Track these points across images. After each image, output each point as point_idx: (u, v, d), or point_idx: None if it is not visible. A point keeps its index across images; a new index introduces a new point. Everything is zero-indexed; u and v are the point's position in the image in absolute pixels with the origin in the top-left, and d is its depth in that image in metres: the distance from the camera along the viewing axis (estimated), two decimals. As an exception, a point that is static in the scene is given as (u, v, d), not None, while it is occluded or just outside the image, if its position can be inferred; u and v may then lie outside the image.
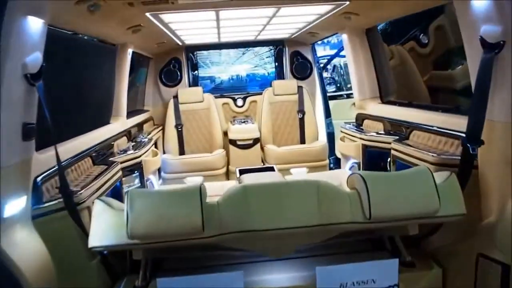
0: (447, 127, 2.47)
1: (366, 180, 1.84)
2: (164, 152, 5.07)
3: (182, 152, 5.07)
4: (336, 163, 5.07)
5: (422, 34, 4.60)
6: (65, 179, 2.00)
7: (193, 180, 4.66)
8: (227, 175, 4.89)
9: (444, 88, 4.32)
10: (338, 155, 5.42)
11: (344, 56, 6.34)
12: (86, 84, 3.12)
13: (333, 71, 7.06)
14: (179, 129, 5.06)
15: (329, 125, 5.48)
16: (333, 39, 8.51)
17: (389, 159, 3.30)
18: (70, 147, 2.55)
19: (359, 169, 3.73)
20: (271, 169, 3.41)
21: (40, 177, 2.00)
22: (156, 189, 2.01)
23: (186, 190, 1.89)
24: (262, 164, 4.84)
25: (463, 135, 1.97)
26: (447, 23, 4.13)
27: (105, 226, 1.88)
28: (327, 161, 4.89)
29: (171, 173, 4.66)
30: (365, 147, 3.57)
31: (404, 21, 4.09)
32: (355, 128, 3.95)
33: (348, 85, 6.93)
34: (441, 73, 4.47)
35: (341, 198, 1.91)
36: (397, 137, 3.10)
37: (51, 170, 2.13)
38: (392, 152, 2.99)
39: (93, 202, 2.06)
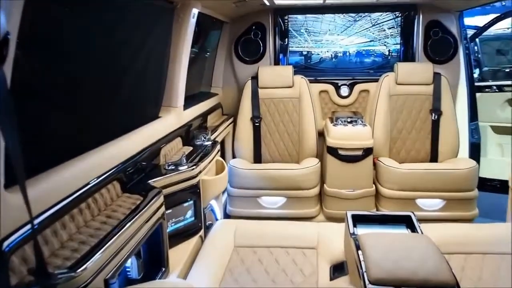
0: None
1: None
2: (233, 156, 3.69)
3: (258, 157, 3.64)
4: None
5: None
6: (39, 250, 1.03)
7: (271, 202, 3.28)
8: (320, 198, 3.38)
9: None
10: (486, 174, 3.70)
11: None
12: (122, 60, 1.90)
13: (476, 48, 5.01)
14: (256, 124, 3.62)
15: (474, 131, 3.73)
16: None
17: None
18: (87, 168, 1.51)
19: None
20: (408, 220, 1.91)
21: (10, 240, 1.07)
22: None
23: None
24: (374, 187, 3.25)
25: None
26: None
27: None
28: (476, 191, 3.18)
29: (240, 188, 3.29)
30: None
31: None
32: None
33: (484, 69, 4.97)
34: None
35: None
36: None
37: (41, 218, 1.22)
38: None
39: None
